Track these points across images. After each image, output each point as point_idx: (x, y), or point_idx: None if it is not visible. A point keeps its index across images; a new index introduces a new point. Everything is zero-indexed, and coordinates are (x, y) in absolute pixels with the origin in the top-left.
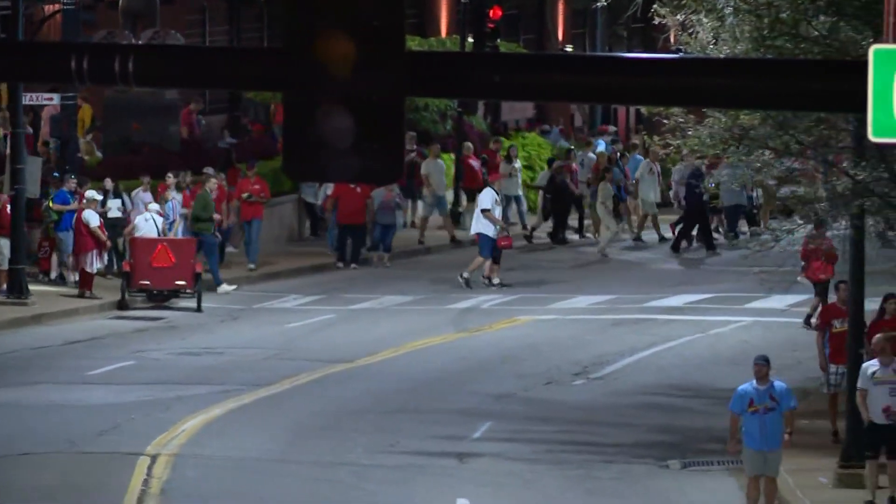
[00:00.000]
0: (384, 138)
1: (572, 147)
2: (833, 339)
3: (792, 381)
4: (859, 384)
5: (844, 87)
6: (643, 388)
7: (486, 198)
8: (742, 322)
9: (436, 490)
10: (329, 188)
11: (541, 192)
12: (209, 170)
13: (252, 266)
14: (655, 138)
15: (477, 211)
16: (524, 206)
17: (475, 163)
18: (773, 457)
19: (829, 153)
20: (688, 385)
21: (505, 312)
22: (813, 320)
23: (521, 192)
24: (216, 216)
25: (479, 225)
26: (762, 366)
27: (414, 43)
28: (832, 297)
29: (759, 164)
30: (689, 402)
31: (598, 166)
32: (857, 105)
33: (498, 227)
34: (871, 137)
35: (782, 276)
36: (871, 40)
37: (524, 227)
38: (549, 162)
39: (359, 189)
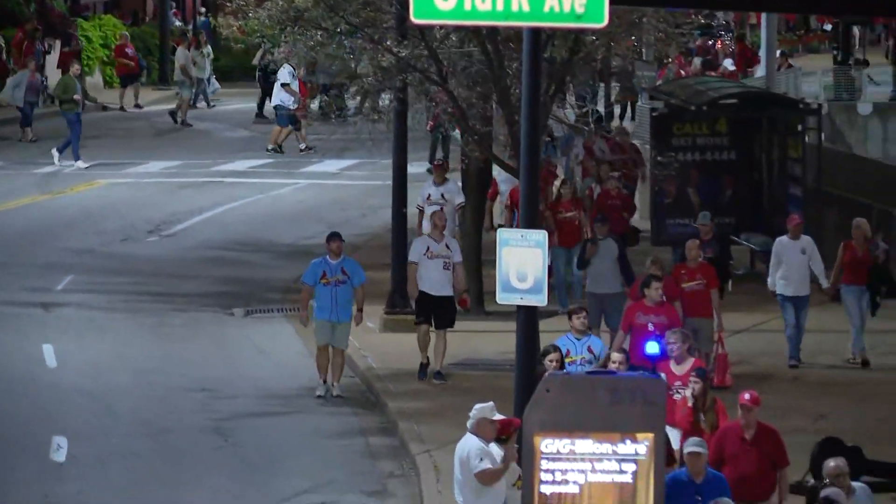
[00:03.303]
0: None
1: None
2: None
3: (344, 235)
4: (411, 258)
5: None
6: (210, 244)
7: (284, 73)
8: (298, 184)
9: (24, 336)
10: None
11: None
12: None
13: None
14: (220, 19)
15: (277, 84)
16: (209, 88)
17: (129, 50)
18: (341, 328)
19: (375, 33)
20: (250, 241)
21: (85, 176)
22: None
23: (208, 75)
24: (76, 97)
25: (278, 98)
26: (337, 241)
27: None
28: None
29: (312, 44)
30: (251, 255)
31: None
32: None
33: (295, 98)
34: (413, 19)
35: (333, 143)
36: None
37: (209, 104)
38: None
39: None
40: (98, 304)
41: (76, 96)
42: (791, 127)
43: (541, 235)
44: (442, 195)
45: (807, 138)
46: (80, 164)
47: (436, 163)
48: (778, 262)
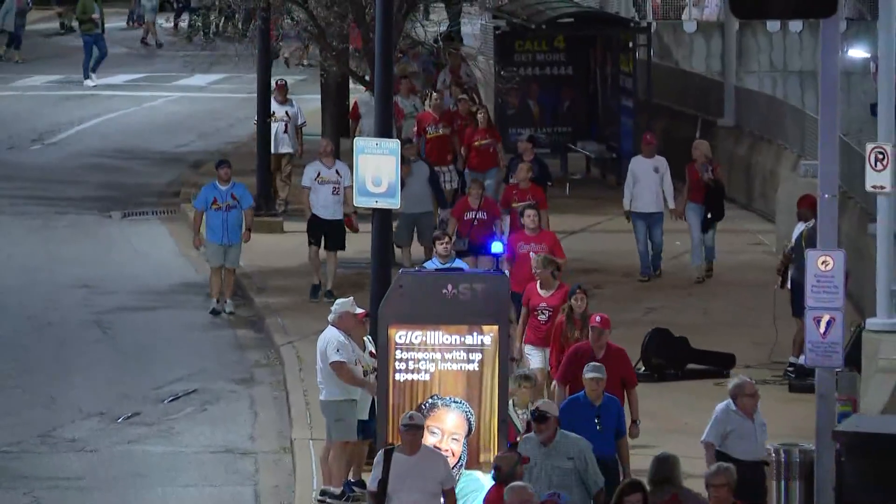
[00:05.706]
0: None
1: None
2: (428, 142)
3: (214, 144)
4: (303, 183)
5: None
6: (90, 152)
7: None
8: (171, 97)
9: None
10: None
11: None
12: None
13: None
14: None
15: None
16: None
17: None
18: (232, 249)
19: None
20: (127, 149)
21: None
22: None
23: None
24: (94, 16)
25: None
26: (226, 168)
27: None
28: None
29: None
30: (128, 163)
31: None
32: None
33: None
34: None
35: (203, 58)
36: None
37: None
38: None
39: None
40: None
41: (94, 16)
42: (623, 44)
43: (394, 144)
44: (286, 112)
45: (637, 54)
46: (91, 81)
47: (278, 82)
48: (632, 181)
